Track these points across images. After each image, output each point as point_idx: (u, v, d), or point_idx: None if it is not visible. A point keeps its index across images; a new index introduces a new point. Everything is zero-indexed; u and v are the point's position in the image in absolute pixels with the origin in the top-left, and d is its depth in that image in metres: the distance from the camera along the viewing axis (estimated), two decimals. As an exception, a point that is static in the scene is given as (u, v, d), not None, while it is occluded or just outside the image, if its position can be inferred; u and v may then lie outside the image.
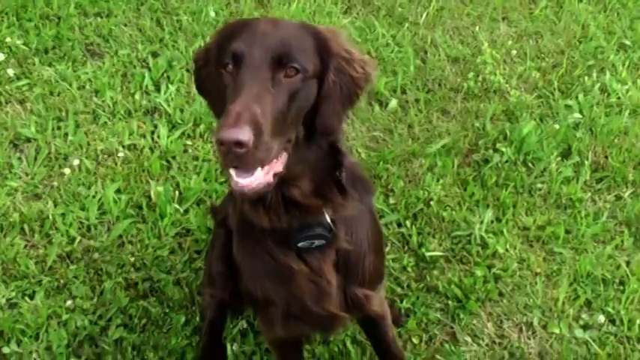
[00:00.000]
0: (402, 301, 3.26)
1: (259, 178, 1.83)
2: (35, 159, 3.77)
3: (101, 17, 4.79)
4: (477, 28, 5.06)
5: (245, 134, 1.69)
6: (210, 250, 3.04)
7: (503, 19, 5.27)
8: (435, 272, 3.39)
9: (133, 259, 3.33)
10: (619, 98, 4.57)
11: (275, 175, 1.88)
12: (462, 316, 3.22)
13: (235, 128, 1.69)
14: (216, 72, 1.95)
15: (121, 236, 3.44)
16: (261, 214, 2.06)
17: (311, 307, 2.27)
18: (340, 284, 2.29)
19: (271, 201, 2.03)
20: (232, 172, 1.82)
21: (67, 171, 3.70)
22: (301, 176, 2.04)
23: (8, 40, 4.48)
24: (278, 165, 1.89)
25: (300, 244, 2.15)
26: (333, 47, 1.96)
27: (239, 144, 1.69)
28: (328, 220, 2.13)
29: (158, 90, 4.23)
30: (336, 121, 2.02)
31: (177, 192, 3.60)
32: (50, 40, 4.52)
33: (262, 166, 1.82)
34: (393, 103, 4.28)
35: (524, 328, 3.24)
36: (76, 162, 3.74)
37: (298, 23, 2.02)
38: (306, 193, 2.06)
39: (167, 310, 3.15)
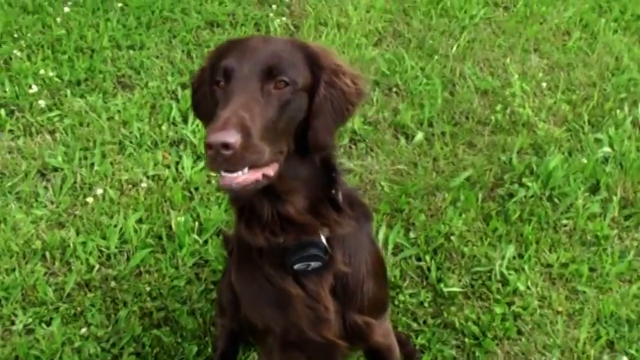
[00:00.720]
0: (417, 337, 3.21)
1: (247, 174, 1.82)
2: (61, 188, 3.84)
3: (134, 50, 4.88)
4: (508, 60, 5.03)
5: (232, 136, 1.71)
6: (221, 280, 3.05)
7: (534, 50, 5.23)
8: (453, 308, 3.33)
9: (149, 288, 3.34)
10: (651, 132, 4.47)
11: (265, 176, 1.87)
12: (477, 354, 3.15)
13: (222, 131, 1.72)
14: (210, 90, 1.99)
15: (139, 266, 3.46)
16: (257, 232, 2.05)
17: (308, 333, 2.23)
18: (339, 310, 2.25)
19: (266, 218, 2.03)
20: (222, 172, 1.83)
21: (90, 200, 3.75)
22: (295, 192, 2.03)
23: (42, 72, 4.59)
24: (269, 169, 1.88)
25: (295, 267, 2.12)
26: (322, 61, 1.99)
27: (226, 146, 1.71)
28: (324, 240, 2.11)
29: (185, 121, 4.28)
30: (327, 137, 2.02)
31: (197, 222, 3.62)
32: (83, 73, 4.62)
33: (252, 168, 1.82)
34: (419, 136, 4.25)
35: (542, 368, 3.17)
36: (99, 191, 3.79)
37: (288, 39, 2.07)
38: (301, 210, 2.04)
39: (180, 340, 3.15)
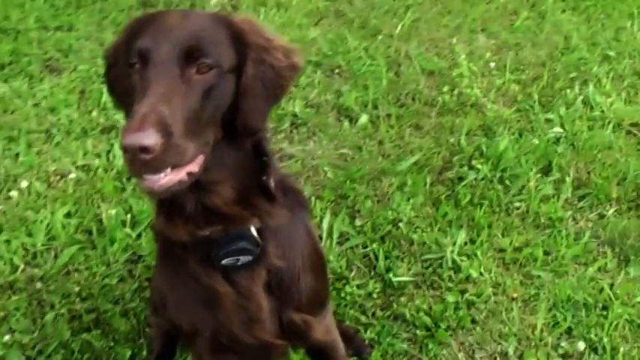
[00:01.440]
0: (366, 331, 3.03)
1: (170, 174, 1.62)
2: (-18, 181, 3.58)
3: (62, 31, 4.63)
4: (455, 40, 4.89)
5: (150, 138, 1.50)
6: (153, 276, 2.80)
7: (482, 30, 5.10)
8: (403, 299, 3.16)
9: (78, 288, 3.10)
10: (602, 111, 4.39)
11: (189, 174, 1.66)
12: (430, 346, 2.98)
13: (139, 132, 1.50)
14: (125, 72, 1.74)
15: (67, 264, 3.21)
16: (179, 225, 1.83)
17: (240, 335, 2.02)
18: (274, 308, 2.04)
19: (190, 210, 1.81)
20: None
21: (14, 194, 3.49)
22: (222, 181, 1.81)
23: (-39, 55, 4.30)
24: (193, 165, 1.67)
25: (223, 262, 1.90)
26: (249, 37, 1.76)
27: (144, 149, 1.50)
28: (254, 232, 1.90)
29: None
30: (259, 119, 1.82)
31: (129, 215, 3.39)
32: (7, 56, 4.35)
33: (176, 167, 1.62)
34: (364, 118, 4.08)
35: (498, 358, 3.00)
36: (24, 184, 3.53)
37: (210, 14, 1.82)
38: (228, 200, 1.83)
39: (112, 344, 2.91)
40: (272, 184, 1.91)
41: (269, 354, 2.18)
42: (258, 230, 1.92)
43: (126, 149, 1.52)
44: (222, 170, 1.80)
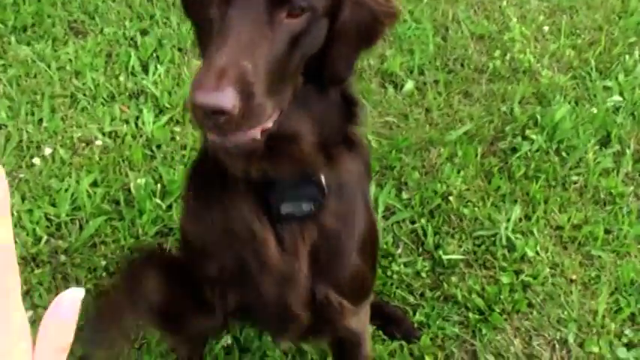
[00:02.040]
0: (414, 313, 2.80)
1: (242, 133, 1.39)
2: (5, 147, 3.36)
3: (87, -9, 4.37)
4: (505, 2, 4.58)
5: (229, 100, 1.27)
6: (181, 220, 2.52)
7: (534, -8, 4.79)
8: (454, 279, 2.92)
9: (105, 262, 2.90)
10: (664, 79, 4.08)
11: (263, 130, 1.43)
12: (484, 331, 2.75)
13: (216, 92, 1.27)
14: (202, 2, 1.47)
15: (93, 236, 3.01)
16: (242, 161, 1.57)
17: (267, 294, 1.77)
18: (312, 280, 1.78)
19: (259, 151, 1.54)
20: None
21: (37, 161, 3.28)
22: (304, 133, 1.58)
23: (-17, 18, 4.08)
24: (269, 122, 1.44)
25: (283, 208, 1.66)
26: None
27: (220, 111, 1.28)
28: (323, 181, 1.67)
29: (146, 71, 3.80)
30: (348, 67, 1.61)
31: (159, 185, 3.16)
32: (29, 17, 4.11)
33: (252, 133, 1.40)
34: (410, 85, 3.80)
35: (557, 345, 2.76)
36: (48, 151, 3.32)
37: None
38: (308, 150, 1.59)
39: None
40: (357, 135, 1.69)
41: (286, 327, 1.91)
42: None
43: (197, 107, 1.29)
44: (304, 120, 1.57)
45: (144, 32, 4.09)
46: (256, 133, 1.40)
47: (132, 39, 4.03)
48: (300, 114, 1.54)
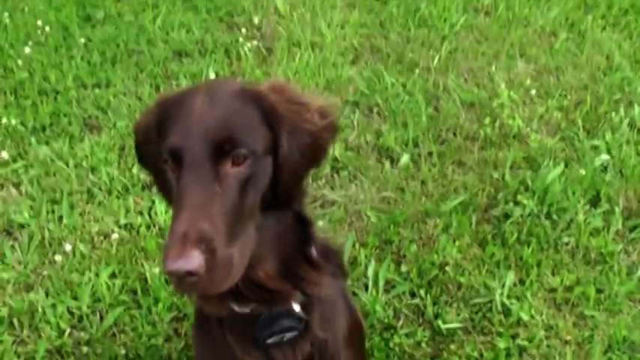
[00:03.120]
0: (417, 383, 2.97)
1: None
2: (28, 246, 3.59)
3: (99, 88, 4.65)
4: (494, 68, 4.81)
5: (193, 262, 1.47)
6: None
7: (520, 55, 5.02)
8: (453, 346, 3.08)
9: (124, 350, 3.09)
10: (651, 134, 4.25)
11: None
12: (483, 395, 2.92)
13: (182, 258, 1.46)
14: (159, 162, 1.69)
15: (112, 326, 3.21)
16: (216, 301, 1.78)
17: None
18: None
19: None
20: None
21: (59, 258, 3.50)
22: (265, 256, 1.76)
23: (4, 120, 4.34)
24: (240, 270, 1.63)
25: (269, 341, 1.86)
26: (280, 110, 1.69)
27: (190, 273, 1.47)
28: (298, 309, 1.85)
29: (157, 162, 4.04)
30: (299, 186, 1.78)
31: (173, 273, 3.37)
32: (47, 117, 4.39)
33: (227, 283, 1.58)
34: (405, 158, 4.01)
35: (554, 405, 2.92)
36: (69, 247, 3.55)
37: (237, 90, 1.71)
38: (272, 274, 1.78)
39: (161, 407, 2.92)
40: (314, 252, 1.86)
41: None
42: (301, 303, 1.87)
43: (171, 274, 1.49)
44: (264, 245, 1.74)
45: (153, 124, 4.32)
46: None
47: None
48: (260, 240, 1.70)
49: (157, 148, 1.70)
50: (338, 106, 1.76)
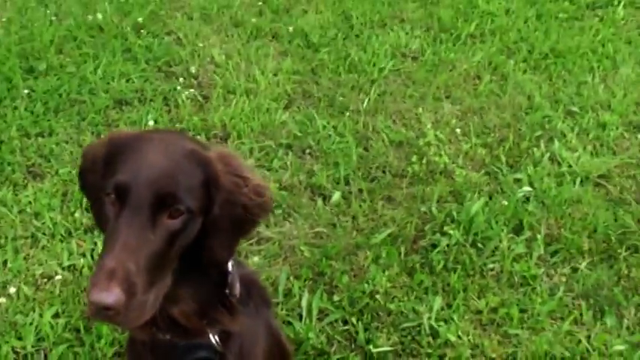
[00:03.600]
0: (350, 406, 3.13)
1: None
2: (-27, 291, 3.68)
3: (42, 137, 4.76)
4: (420, 110, 5.06)
5: (114, 298, 1.60)
6: None
7: (446, 97, 5.28)
8: (384, 369, 3.26)
9: (68, 389, 3.20)
10: (570, 166, 4.54)
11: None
12: (413, 415, 3.08)
13: (106, 292, 1.60)
14: (100, 192, 1.81)
15: (57, 363, 3.31)
16: (142, 327, 1.88)
17: None
18: None
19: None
20: None
21: (3, 300, 3.59)
22: (182, 296, 1.91)
23: (-51, 174, 4.44)
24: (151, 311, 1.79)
25: None
26: (222, 181, 1.83)
27: (107, 307, 1.61)
28: (213, 341, 2.00)
29: (98, 206, 4.16)
30: (225, 253, 1.92)
31: (115, 311, 3.49)
32: (-10, 166, 4.48)
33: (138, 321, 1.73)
34: (336, 195, 4.21)
35: (480, 421, 3.10)
36: (13, 290, 3.64)
37: (189, 150, 1.84)
38: (189, 313, 1.94)
39: None
40: (234, 296, 2.01)
41: None
42: (219, 336, 2.01)
43: (91, 303, 1.62)
44: (183, 287, 1.89)
45: (95, 170, 4.44)
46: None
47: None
48: (180, 282, 1.85)
49: (102, 180, 1.81)
50: (271, 191, 1.89)
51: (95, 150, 1.94)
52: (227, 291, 2.00)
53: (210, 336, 1.99)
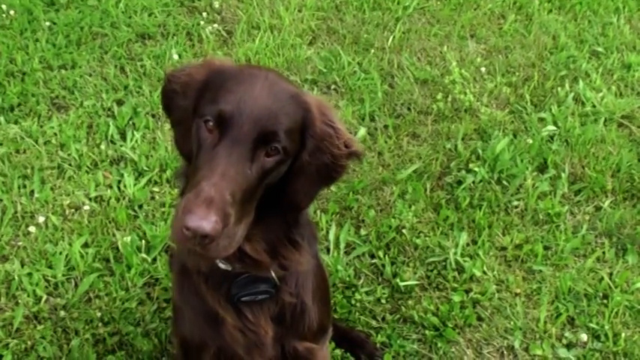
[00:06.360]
0: (377, 335, 3.17)
1: None
2: (1, 220, 3.70)
3: (65, 69, 4.74)
4: (445, 48, 5.02)
5: (214, 226, 1.61)
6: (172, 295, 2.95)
7: (471, 36, 5.24)
8: (411, 302, 3.30)
9: (100, 313, 3.24)
10: (594, 106, 4.52)
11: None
12: (439, 345, 3.13)
13: (205, 220, 1.61)
14: (194, 120, 1.82)
15: (88, 292, 3.35)
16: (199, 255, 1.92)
17: (243, 356, 2.17)
18: (279, 336, 2.18)
19: None
20: None
21: (33, 229, 3.63)
22: (255, 234, 1.92)
23: (-28, 103, 4.44)
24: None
25: (243, 299, 2.06)
26: (317, 127, 1.85)
27: (205, 235, 1.62)
28: (274, 275, 2.03)
29: (124, 138, 4.18)
30: (306, 200, 1.94)
31: (144, 241, 3.53)
32: (15, 97, 4.47)
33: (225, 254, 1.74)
34: (362, 131, 4.21)
35: (505, 352, 3.15)
36: (42, 219, 3.67)
37: (293, 93, 1.86)
38: (259, 249, 1.95)
39: (136, 364, 3.07)
40: (299, 235, 2.03)
41: None
42: (278, 271, 2.04)
43: (188, 229, 1.61)
44: (257, 225, 1.89)
45: (120, 102, 4.46)
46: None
47: (109, 109, 4.41)
48: (254, 224, 1.86)
49: (195, 104, 1.83)
50: (362, 147, 1.90)
51: (189, 76, 1.93)
52: (294, 234, 2.02)
53: (271, 271, 2.02)
